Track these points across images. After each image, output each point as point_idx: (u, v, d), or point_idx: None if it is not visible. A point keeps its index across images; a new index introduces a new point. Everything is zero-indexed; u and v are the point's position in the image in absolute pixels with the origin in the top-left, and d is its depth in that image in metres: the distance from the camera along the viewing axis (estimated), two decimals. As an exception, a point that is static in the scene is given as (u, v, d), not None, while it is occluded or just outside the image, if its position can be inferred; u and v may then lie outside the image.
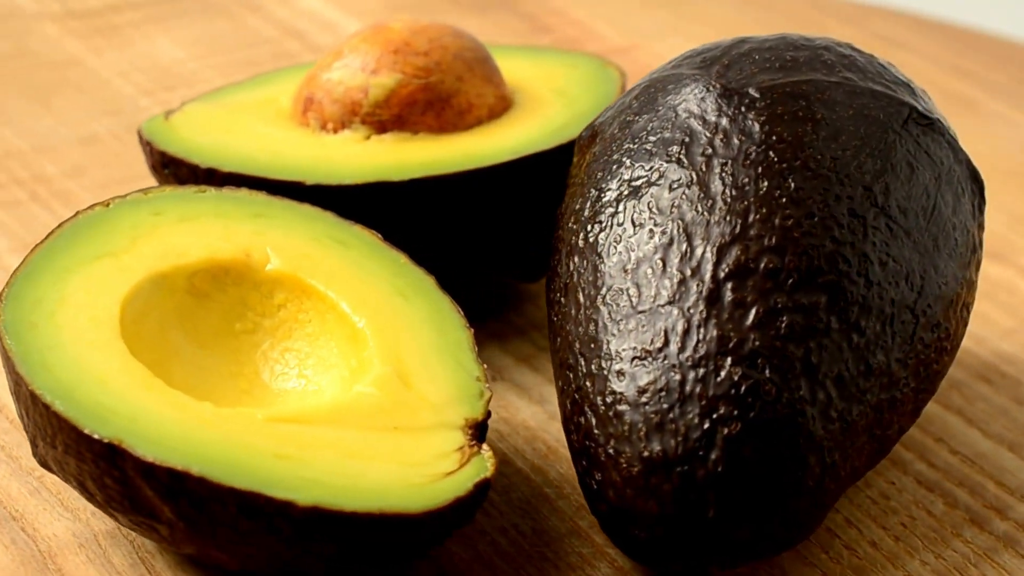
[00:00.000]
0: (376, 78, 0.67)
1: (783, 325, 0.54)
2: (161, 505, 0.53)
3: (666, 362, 0.54)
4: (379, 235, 0.62)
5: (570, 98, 0.70)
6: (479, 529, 0.60)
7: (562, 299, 0.58)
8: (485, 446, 0.55)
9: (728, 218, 0.56)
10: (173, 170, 0.67)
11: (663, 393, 0.54)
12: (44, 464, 0.56)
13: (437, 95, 0.68)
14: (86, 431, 0.53)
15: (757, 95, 0.58)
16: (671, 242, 0.56)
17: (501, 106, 0.69)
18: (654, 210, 0.57)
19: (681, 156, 0.57)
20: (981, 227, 0.61)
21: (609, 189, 0.58)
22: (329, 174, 0.65)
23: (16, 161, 0.80)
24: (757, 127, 0.57)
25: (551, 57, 0.74)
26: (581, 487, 0.56)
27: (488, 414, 0.56)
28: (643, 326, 0.55)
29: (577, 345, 0.57)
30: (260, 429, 0.54)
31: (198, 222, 0.61)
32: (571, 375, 0.57)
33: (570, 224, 0.59)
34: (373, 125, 0.67)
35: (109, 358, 0.55)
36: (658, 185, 0.57)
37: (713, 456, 0.53)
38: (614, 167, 0.59)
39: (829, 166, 0.57)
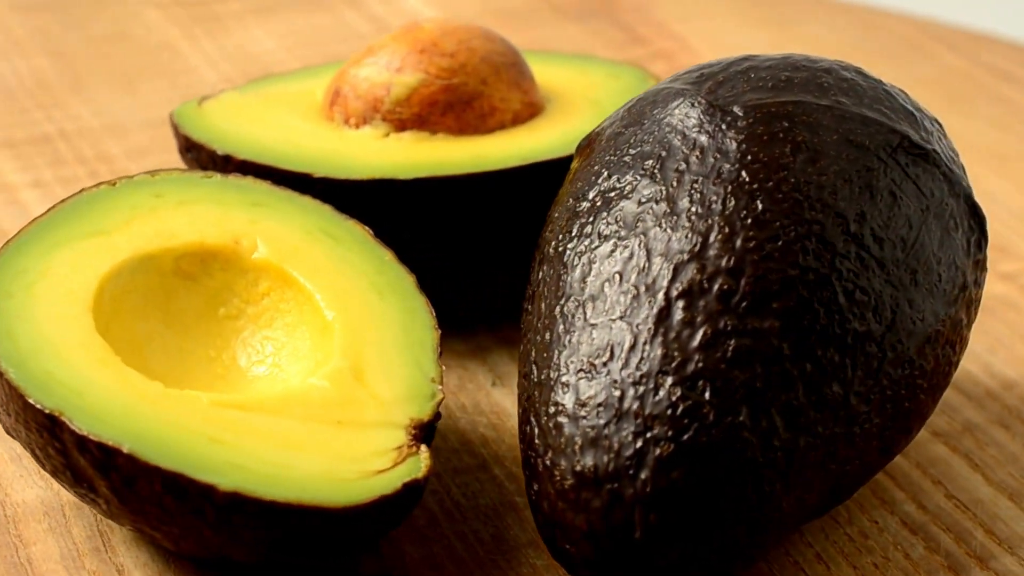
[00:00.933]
0: (399, 76, 0.68)
1: (730, 348, 0.53)
2: (97, 479, 0.53)
3: (608, 377, 0.53)
4: (371, 231, 0.62)
5: (601, 108, 0.70)
6: (439, 531, 0.59)
7: (529, 307, 0.58)
8: (424, 447, 0.55)
9: (689, 236, 0.55)
10: (195, 154, 0.68)
11: (601, 408, 0.53)
12: (7, 431, 0.57)
13: (459, 97, 0.68)
14: (31, 400, 0.54)
15: (740, 113, 0.57)
16: (631, 256, 0.55)
17: (528, 112, 0.69)
18: (620, 223, 0.56)
19: (655, 171, 0.56)
20: (979, 265, 0.59)
21: (585, 200, 0.58)
22: (338, 168, 0.65)
23: (85, 139, 0.82)
24: (734, 145, 0.56)
25: (596, 66, 0.74)
26: (527, 496, 0.56)
27: (437, 416, 0.56)
28: (592, 339, 0.54)
29: (533, 354, 0.56)
30: (202, 412, 0.55)
31: (196, 206, 0.62)
32: (526, 383, 0.56)
33: (547, 232, 0.59)
34: (393, 123, 0.67)
35: (72, 331, 0.56)
36: (628, 198, 0.56)
37: (643, 476, 0.52)
38: (593, 178, 0.58)
39: (803, 190, 0.55)
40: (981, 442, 0.65)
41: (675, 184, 0.56)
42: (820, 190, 0.55)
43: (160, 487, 0.52)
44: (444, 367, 0.66)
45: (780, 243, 0.54)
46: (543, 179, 0.65)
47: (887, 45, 0.95)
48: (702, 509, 0.52)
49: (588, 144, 0.61)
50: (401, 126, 0.67)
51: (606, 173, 0.58)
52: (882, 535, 0.60)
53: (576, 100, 0.70)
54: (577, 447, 0.53)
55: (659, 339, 0.53)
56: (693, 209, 0.55)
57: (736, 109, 0.57)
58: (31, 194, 0.77)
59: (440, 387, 0.57)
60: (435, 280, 0.67)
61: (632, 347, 0.54)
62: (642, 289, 0.54)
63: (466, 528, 0.60)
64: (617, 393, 0.53)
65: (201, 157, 0.67)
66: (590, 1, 0.99)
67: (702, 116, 0.57)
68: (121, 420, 0.54)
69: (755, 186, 0.55)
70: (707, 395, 0.53)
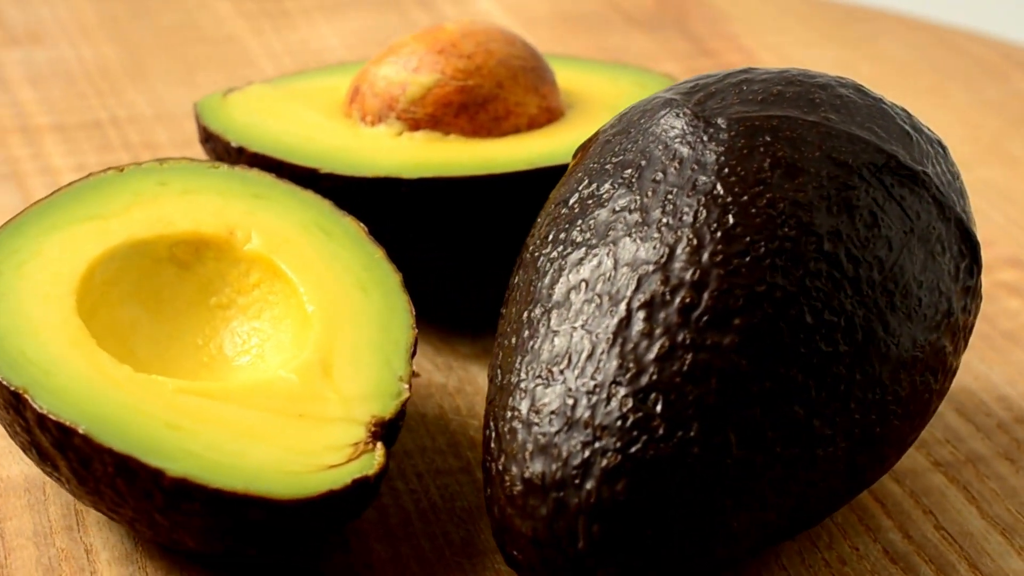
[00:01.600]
0: (416, 76, 0.68)
1: (686, 362, 0.52)
2: (58, 458, 0.54)
3: (563, 385, 0.53)
4: (365, 228, 0.62)
5: (620, 116, 0.69)
6: (410, 531, 0.59)
7: (503, 311, 0.58)
8: (380, 445, 0.55)
9: (657, 247, 0.54)
10: (212, 145, 0.68)
11: (554, 415, 0.53)
12: (-15, 407, 0.58)
13: (473, 98, 0.67)
14: (-1, 377, 0.55)
15: (724, 125, 0.56)
16: (599, 265, 0.55)
17: (545, 117, 0.69)
18: (592, 231, 0.55)
19: (632, 180, 0.56)
20: (969, 292, 0.57)
21: (565, 206, 0.57)
22: (346, 165, 0.66)
23: (135, 127, 0.83)
24: (712, 157, 0.55)
25: (623, 74, 0.73)
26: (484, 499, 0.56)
27: (400, 415, 0.56)
28: (553, 346, 0.54)
29: (500, 358, 0.56)
30: (165, 398, 0.55)
31: (198, 195, 0.63)
32: (491, 387, 0.56)
33: (528, 238, 0.58)
34: (407, 122, 0.68)
35: (52, 311, 0.57)
36: (603, 207, 0.56)
37: (588, 486, 0.52)
38: (575, 184, 0.58)
39: (777, 206, 0.54)
40: (982, 474, 0.63)
41: (650, 194, 0.55)
42: (795, 207, 0.54)
43: (112, 469, 0.53)
44: (448, 368, 0.66)
45: (748, 258, 0.53)
46: (548, 183, 0.65)
47: (958, 64, 0.93)
48: (646, 522, 0.51)
49: (583, 149, 0.60)
50: (415, 125, 0.68)
51: (587, 180, 0.57)
52: (861, 563, 0.59)
53: (596, 107, 0.70)
54: (527, 453, 0.53)
55: (616, 349, 0.53)
56: (664, 220, 0.54)
57: (720, 121, 0.56)
58: (72, 178, 0.79)
59: (407, 386, 0.57)
60: (439, 280, 0.67)
61: (589, 356, 0.53)
62: (605, 298, 0.54)
63: (437, 530, 0.59)
64: (570, 401, 0.53)
65: (217, 148, 0.68)
66: (662, 11, 0.98)
67: (685, 127, 0.56)
68: (82, 401, 0.54)
69: (729, 199, 0.54)
70: (658, 408, 0.52)
